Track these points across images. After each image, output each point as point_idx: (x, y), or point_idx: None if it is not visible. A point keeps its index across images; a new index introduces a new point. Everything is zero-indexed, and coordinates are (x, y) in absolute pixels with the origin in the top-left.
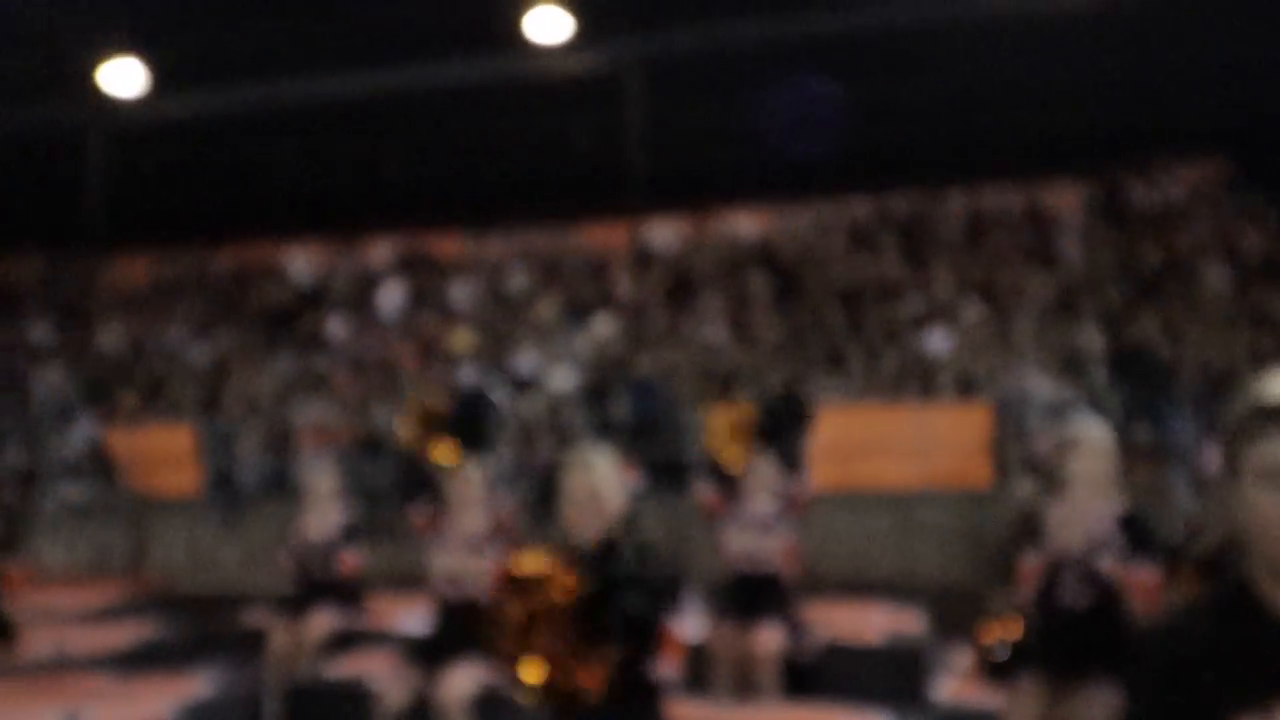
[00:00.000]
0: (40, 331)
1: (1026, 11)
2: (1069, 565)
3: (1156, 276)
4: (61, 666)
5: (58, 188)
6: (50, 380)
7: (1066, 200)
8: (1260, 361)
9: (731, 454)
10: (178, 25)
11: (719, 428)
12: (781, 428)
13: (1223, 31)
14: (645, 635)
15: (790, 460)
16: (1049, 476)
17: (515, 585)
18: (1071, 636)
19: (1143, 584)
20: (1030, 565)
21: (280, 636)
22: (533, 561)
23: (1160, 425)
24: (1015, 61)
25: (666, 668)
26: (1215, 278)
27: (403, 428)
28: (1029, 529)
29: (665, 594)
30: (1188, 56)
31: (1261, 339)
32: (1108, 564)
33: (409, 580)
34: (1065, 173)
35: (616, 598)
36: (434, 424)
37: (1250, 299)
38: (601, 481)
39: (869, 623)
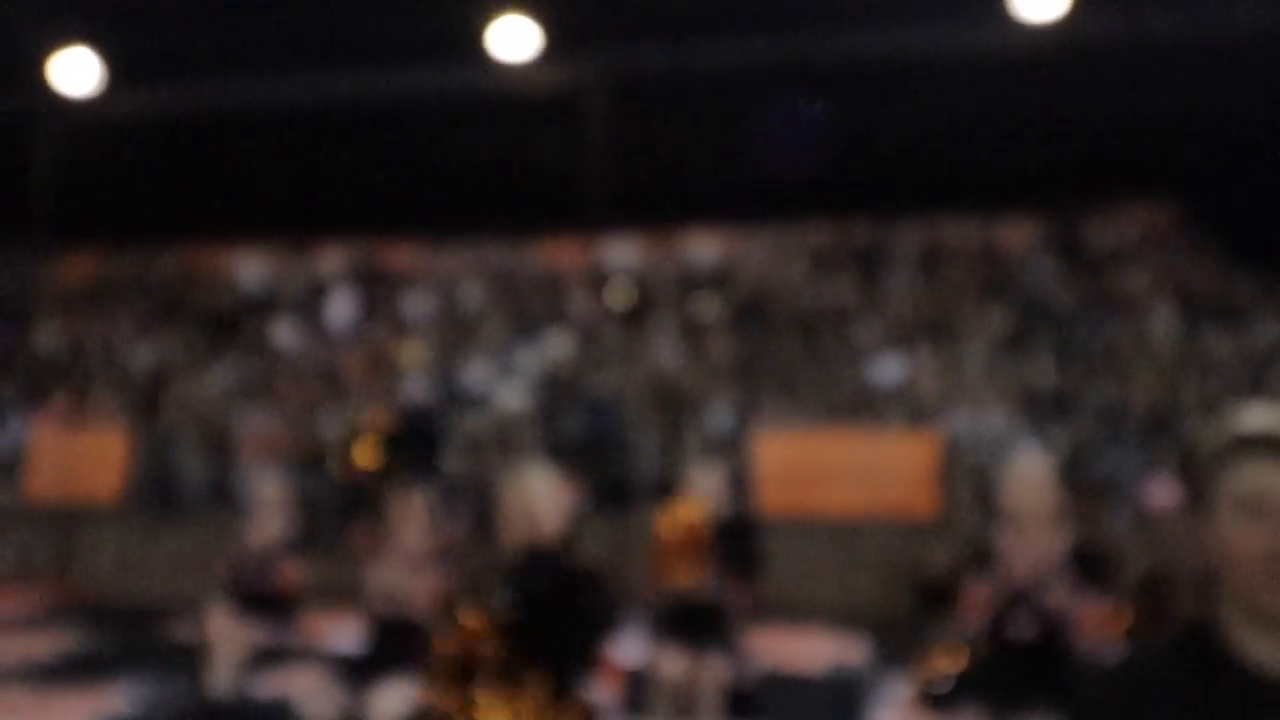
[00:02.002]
0: None
1: (989, 49)
2: (1017, 596)
3: (1106, 315)
4: None
5: (1, 182)
6: None
7: (1021, 236)
8: (1204, 402)
9: (679, 570)
10: (132, 21)
11: (668, 536)
12: (734, 543)
13: (1179, 75)
14: (577, 658)
15: (743, 572)
16: (995, 508)
17: (453, 632)
18: (1017, 668)
19: (1091, 617)
20: (977, 594)
21: (213, 644)
22: (468, 617)
23: (1105, 461)
24: (977, 97)
25: (602, 691)
26: (1163, 318)
27: (343, 452)
28: (977, 558)
29: (599, 618)
30: (1143, 99)
31: (1207, 380)
32: (1055, 596)
33: (343, 595)
34: (1021, 209)
35: (544, 623)
36: (380, 446)
37: (1197, 340)
38: (537, 500)
39: (811, 651)
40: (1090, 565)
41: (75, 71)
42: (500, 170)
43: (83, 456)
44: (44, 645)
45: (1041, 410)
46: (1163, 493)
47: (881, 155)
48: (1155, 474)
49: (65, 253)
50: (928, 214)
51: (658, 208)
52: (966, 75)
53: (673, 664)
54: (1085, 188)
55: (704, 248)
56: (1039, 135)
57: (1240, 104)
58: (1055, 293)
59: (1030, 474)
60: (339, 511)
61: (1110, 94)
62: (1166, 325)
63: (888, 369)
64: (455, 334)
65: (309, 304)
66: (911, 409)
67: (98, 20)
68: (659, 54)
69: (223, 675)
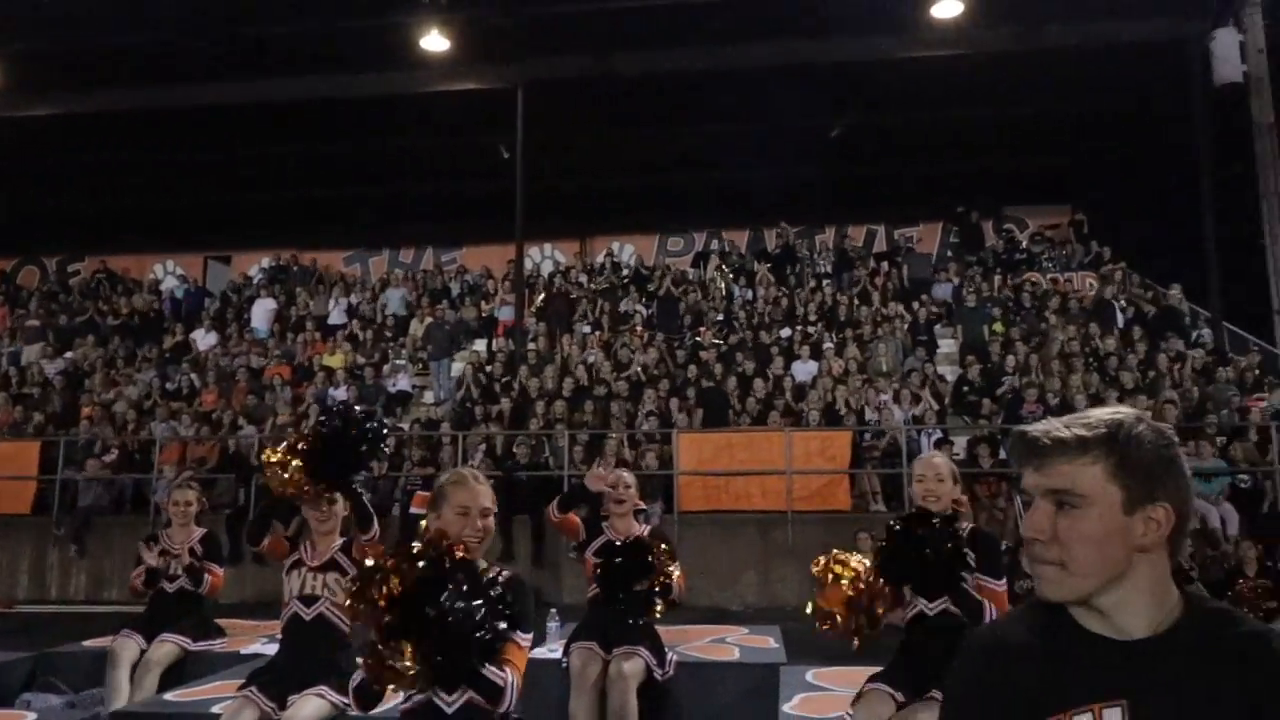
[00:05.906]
0: None
1: (893, 61)
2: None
3: (1006, 314)
4: None
5: None
6: None
7: (927, 239)
8: (1093, 393)
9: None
10: (49, 28)
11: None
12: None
13: (1069, 87)
14: (486, 640)
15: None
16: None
17: (371, 572)
18: (929, 647)
19: (992, 595)
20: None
21: (127, 656)
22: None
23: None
24: (887, 106)
25: (515, 676)
26: (1058, 317)
27: (272, 473)
28: None
29: (515, 607)
30: (1039, 109)
31: (1092, 374)
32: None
33: (261, 605)
34: (926, 214)
35: (450, 592)
36: (303, 467)
37: (1086, 338)
38: (489, 499)
39: (727, 641)
40: (983, 548)
41: None
42: (427, 176)
43: None
44: None
45: (948, 405)
46: None
47: (799, 162)
48: None
49: None
50: (839, 219)
51: (580, 213)
52: (880, 86)
53: (588, 658)
54: (986, 193)
55: (625, 252)
56: (944, 144)
57: (1131, 111)
58: (960, 293)
59: (929, 466)
60: (257, 520)
61: (1009, 103)
62: (1060, 324)
63: (804, 368)
64: (381, 338)
65: (231, 310)
66: (827, 406)
67: (5, 28)
68: (582, 62)
69: (140, 687)
